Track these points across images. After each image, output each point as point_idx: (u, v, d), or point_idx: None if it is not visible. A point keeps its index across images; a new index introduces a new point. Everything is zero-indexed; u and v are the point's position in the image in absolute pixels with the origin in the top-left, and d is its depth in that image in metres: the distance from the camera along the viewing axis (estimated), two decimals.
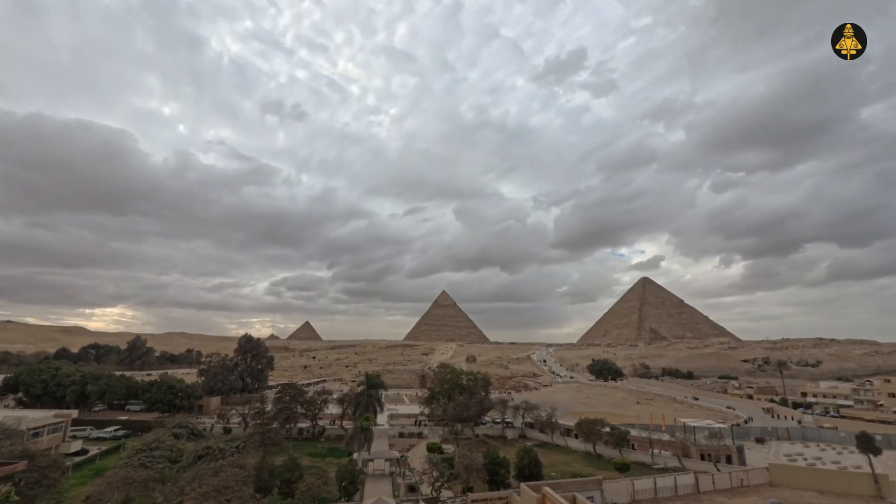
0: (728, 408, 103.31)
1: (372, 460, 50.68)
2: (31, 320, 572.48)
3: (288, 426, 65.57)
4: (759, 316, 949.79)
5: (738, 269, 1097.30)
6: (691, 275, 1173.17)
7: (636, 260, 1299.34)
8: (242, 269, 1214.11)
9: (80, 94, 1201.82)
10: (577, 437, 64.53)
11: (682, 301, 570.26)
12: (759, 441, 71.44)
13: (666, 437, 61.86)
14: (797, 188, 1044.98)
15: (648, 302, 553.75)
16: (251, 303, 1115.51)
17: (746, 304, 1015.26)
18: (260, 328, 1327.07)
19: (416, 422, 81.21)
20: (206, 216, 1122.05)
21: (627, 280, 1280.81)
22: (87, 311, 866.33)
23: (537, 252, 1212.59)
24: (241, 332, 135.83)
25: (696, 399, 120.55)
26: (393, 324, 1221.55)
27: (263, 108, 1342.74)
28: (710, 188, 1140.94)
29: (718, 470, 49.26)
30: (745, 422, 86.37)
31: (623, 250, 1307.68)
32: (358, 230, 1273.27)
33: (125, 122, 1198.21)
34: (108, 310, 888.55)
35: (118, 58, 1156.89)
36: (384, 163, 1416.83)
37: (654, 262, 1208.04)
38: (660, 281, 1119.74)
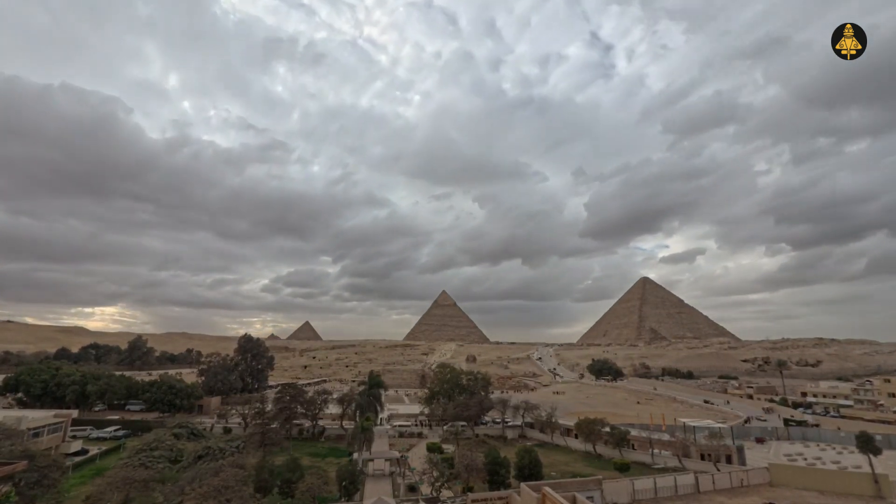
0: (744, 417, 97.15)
1: (372, 460, 50.69)
2: (29, 320, 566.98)
3: (288, 426, 65.57)
4: (778, 315, 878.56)
5: (780, 260, 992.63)
6: (721, 269, 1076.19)
7: (663, 254, 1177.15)
8: (245, 263, 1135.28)
9: (67, 61, 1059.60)
10: (577, 436, 64.54)
11: (681, 301, 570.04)
12: (759, 441, 71.48)
13: (666, 437, 61.87)
14: (885, 162, 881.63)
15: (648, 302, 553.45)
16: (252, 301, 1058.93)
17: (766, 303, 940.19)
18: (260, 328, 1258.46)
19: (416, 422, 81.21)
20: (206, 201, 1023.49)
21: (652, 276, 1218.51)
22: (87, 310, 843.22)
23: (565, 242, 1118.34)
24: (242, 332, 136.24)
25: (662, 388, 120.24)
26: (399, 323, 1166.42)
27: (271, 64, 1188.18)
28: (789, 160, 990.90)
29: (718, 470, 49.28)
30: (746, 421, 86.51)
31: (647, 244, 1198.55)
32: (377, 220, 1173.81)
33: (118, 92, 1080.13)
34: (107, 309, 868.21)
35: (112, 19, 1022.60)
36: (411, 144, 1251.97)
37: (687, 256, 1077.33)
38: (685, 277, 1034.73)
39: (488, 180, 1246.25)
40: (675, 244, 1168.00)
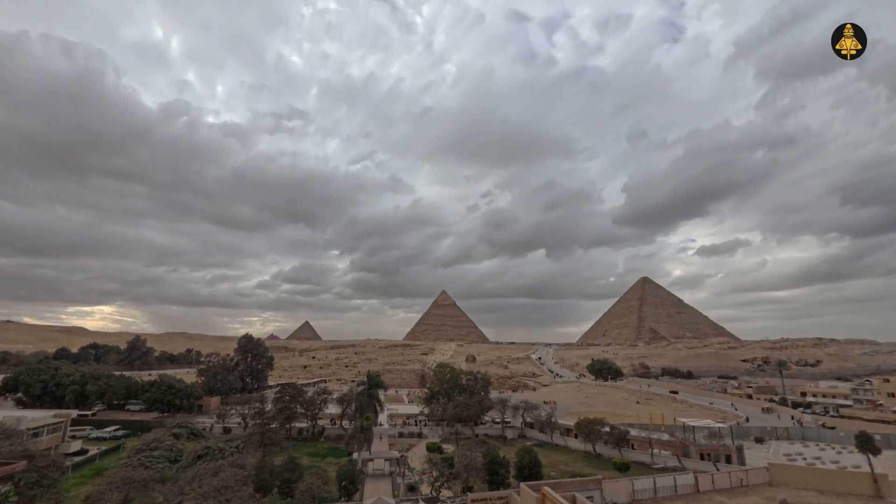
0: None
1: (372, 460, 50.71)
2: (28, 320, 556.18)
3: (288, 426, 65.59)
4: (797, 314, 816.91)
5: (830, 251, 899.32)
6: (758, 262, 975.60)
7: (696, 245, 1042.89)
8: (248, 257, 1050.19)
9: (48, 18, 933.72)
10: (576, 436, 64.54)
11: (681, 301, 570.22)
12: (759, 441, 71.50)
13: (665, 436, 61.88)
14: None
15: (648, 302, 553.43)
16: (252, 300, 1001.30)
17: (791, 301, 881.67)
18: (261, 327, 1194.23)
19: (416, 421, 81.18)
20: (206, 182, 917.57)
21: (678, 273, 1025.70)
22: (87, 308, 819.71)
23: (595, 230, 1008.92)
24: (242, 332, 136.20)
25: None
26: (405, 322, 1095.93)
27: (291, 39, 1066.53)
28: None
29: (718, 469, 49.31)
30: (746, 420, 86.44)
31: (677, 238, 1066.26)
32: (398, 209, 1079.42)
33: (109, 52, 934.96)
34: (105, 308, 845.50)
35: None
36: (442, 121, 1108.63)
37: (726, 247, 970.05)
38: (711, 271, 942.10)
39: (526, 159, 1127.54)
40: (712, 236, 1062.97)
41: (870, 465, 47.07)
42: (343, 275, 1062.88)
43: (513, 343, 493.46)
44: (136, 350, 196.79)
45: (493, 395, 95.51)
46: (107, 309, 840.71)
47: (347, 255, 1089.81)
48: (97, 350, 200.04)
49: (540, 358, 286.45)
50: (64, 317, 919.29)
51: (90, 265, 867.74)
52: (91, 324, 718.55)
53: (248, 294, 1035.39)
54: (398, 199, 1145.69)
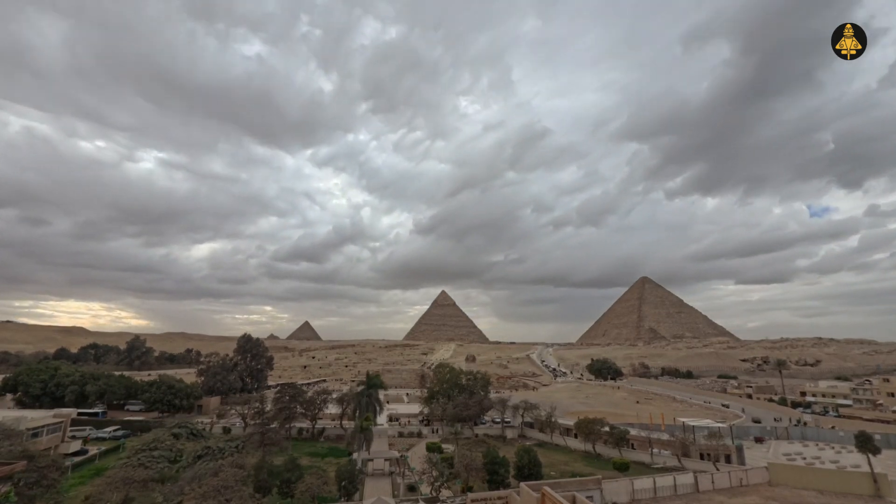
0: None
1: (372, 460, 50.71)
2: (25, 320, 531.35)
3: (287, 426, 65.55)
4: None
5: None
6: None
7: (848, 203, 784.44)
8: (271, 210, 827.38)
9: None
10: (576, 436, 64.55)
11: (681, 301, 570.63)
12: (759, 440, 71.57)
13: (665, 436, 61.91)
14: None
15: (648, 301, 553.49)
16: (257, 287, 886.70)
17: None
18: (269, 326, 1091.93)
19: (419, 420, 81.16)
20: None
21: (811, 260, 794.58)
22: (86, 305, 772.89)
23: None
24: (248, 329, 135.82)
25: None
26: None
27: None
28: None
29: (718, 469, 49.32)
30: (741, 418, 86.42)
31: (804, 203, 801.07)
32: (566, 113, 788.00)
33: None
34: (97, 304, 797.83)
35: None
36: None
37: None
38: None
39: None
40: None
41: (869, 464, 47.10)
42: (396, 241, 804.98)
43: (513, 343, 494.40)
44: (135, 350, 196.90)
45: (493, 394, 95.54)
46: (98, 306, 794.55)
47: (410, 212, 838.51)
48: (97, 350, 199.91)
49: (546, 363, 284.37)
50: (58, 313, 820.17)
51: (68, 253, 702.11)
52: (88, 322, 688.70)
53: (253, 281, 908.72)
54: (575, 93, 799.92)
